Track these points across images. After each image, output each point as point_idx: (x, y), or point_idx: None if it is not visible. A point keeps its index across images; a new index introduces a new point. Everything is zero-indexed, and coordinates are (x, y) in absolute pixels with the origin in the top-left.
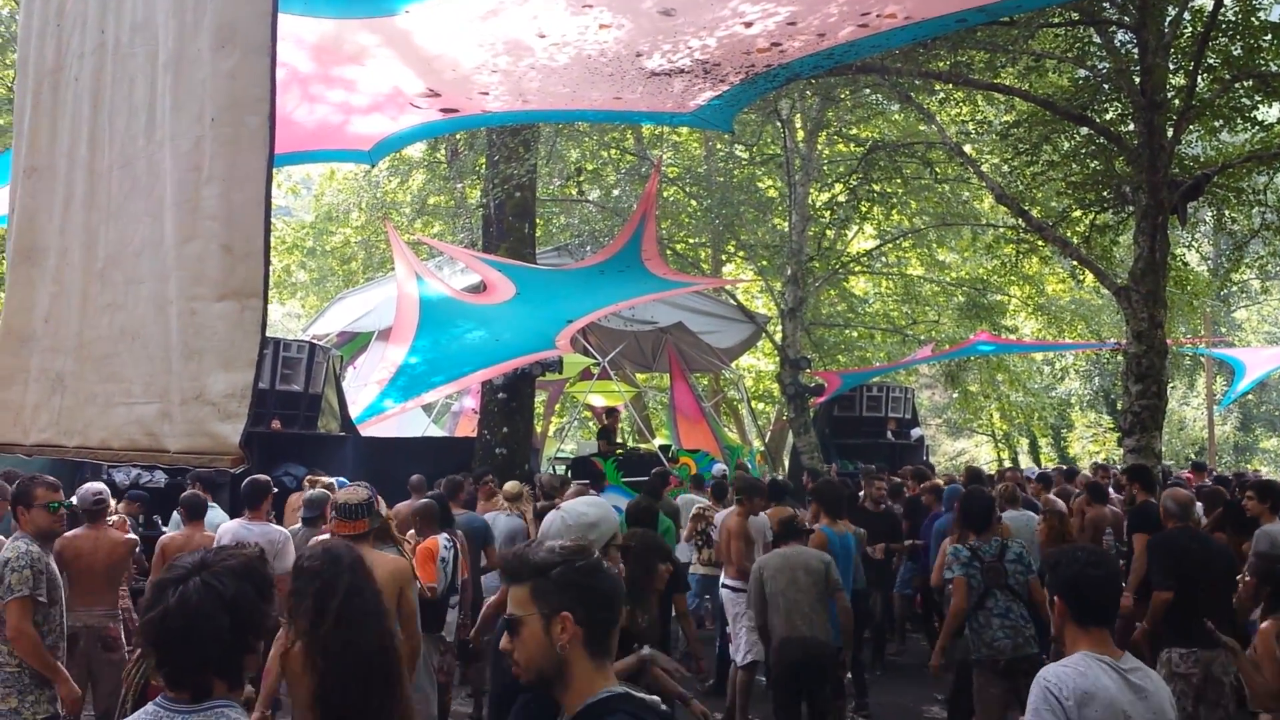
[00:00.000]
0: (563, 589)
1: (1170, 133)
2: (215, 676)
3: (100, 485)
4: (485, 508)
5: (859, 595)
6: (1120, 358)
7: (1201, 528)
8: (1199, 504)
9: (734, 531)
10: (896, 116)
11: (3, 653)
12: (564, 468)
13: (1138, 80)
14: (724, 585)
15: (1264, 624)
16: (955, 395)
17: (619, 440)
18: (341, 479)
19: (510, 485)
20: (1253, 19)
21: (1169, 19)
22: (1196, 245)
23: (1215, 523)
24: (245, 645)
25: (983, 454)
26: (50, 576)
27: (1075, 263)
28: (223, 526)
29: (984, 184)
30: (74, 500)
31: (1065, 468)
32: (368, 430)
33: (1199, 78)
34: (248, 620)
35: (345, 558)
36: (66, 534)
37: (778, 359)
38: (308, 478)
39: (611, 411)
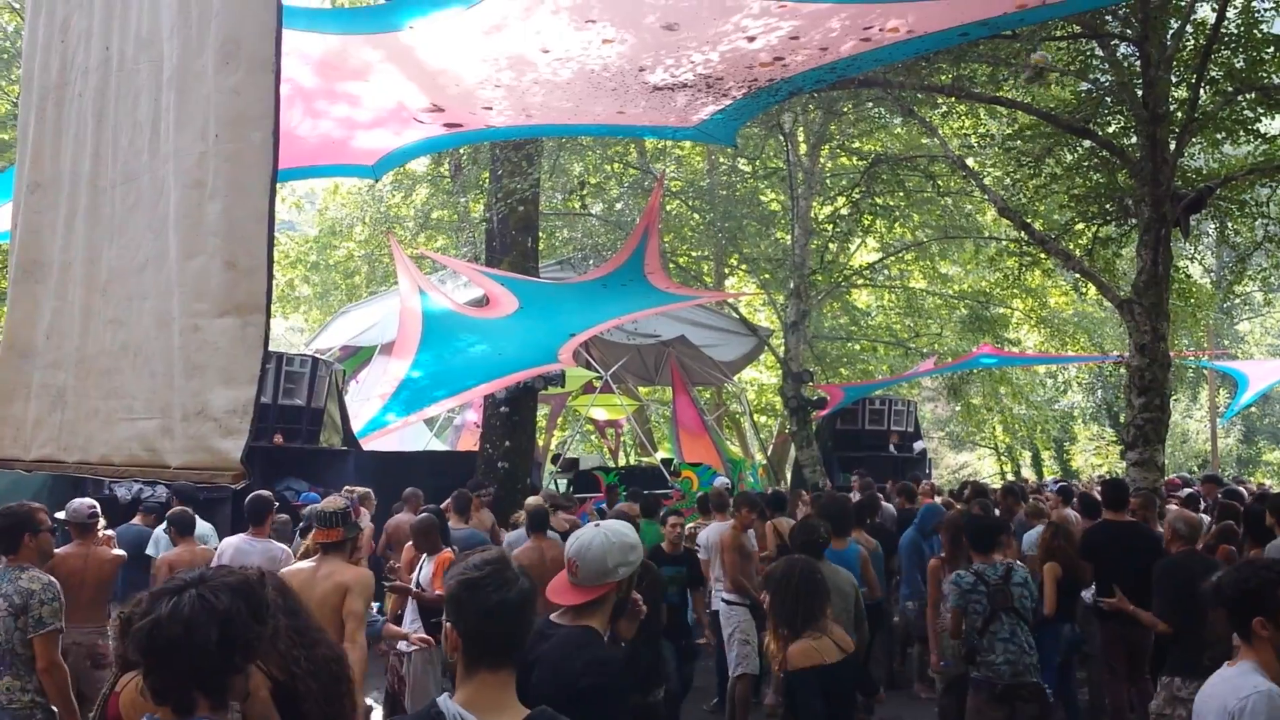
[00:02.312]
0: (448, 603)
1: (1173, 146)
2: (200, 693)
3: (92, 500)
4: (476, 519)
5: (874, 608)
6: (1123, 371)
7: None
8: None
9: (728, 544)
10: (899, 130)
11: (15, 689)
12: (566, 482)
13: (1140, 93)
14: (721, 599)
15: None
16: (958, 408)
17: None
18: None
19: (531, 501)
20: (1255, 32)
21: (1171, 32)
22: (1199, 258)
23: (1218, 535)
24: (232, 664)
25: (985, 467)
26: (63, 603)
27: (1078, 275)
28: (224, 543)
29: (986, 197)
30: (63, 515)
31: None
32: (370, 444)
33: (1201, 90)
34: (238, 639)
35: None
36: (58, 551)
37: (780, 372)
38: (346, 488)
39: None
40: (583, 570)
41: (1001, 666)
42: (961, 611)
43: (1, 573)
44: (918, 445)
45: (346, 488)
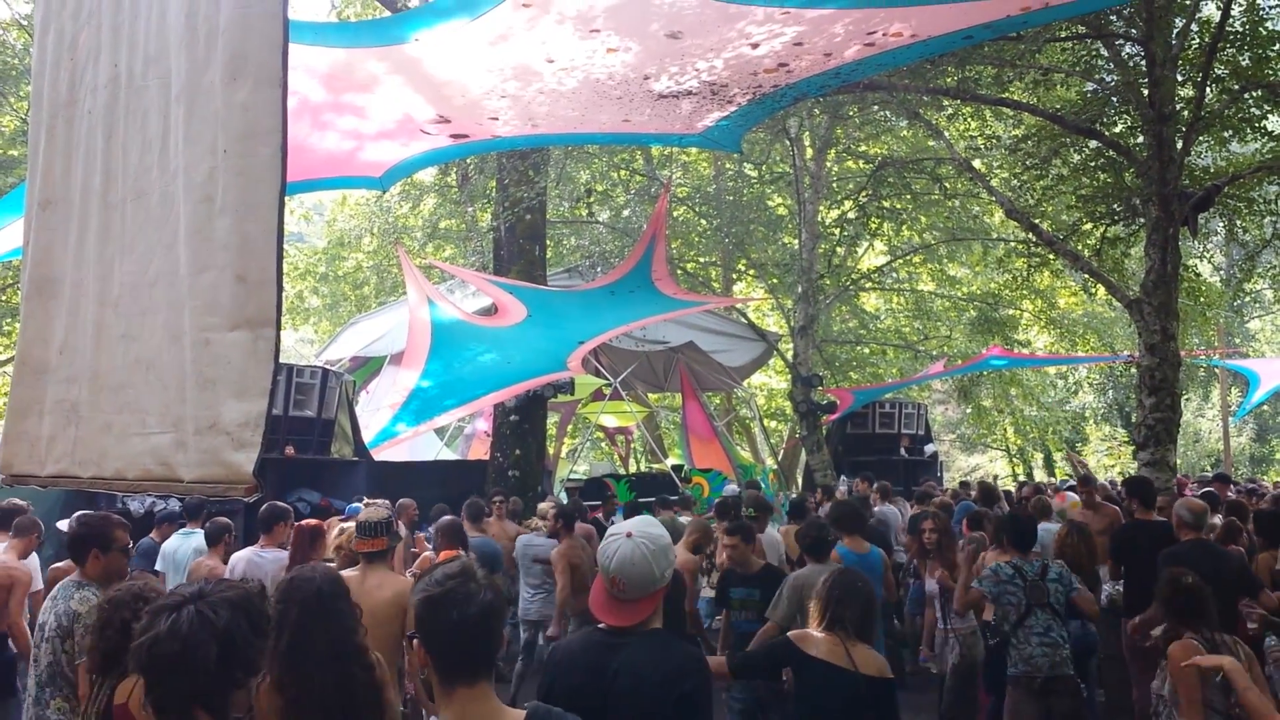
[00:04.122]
0: (416, 618)
1: (1179, 144)
2: (201, 708)
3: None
4: (497, 527)
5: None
6: (1133, 370)
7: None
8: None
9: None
10: (905, 133)
11: (65, 710)
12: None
13: (1146, 92)
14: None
15: (1171, 647)
16: (968, 410)
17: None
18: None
19: (544, 506)
20: (1260, 29)
21: (1176, 31)
22: (1208, 256)
23: (1224, 534)
24: (233, 679)
25: (997, 469)
26: None
27: (1087, 276)
28: (235, 555)
29: (994, 199)
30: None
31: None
32: (381, 455)
33: (1207, 89)
34: (237, 653)
35: (298, 594)
36: None
37: (789, 377)
38: (365, 500)
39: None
40: (631, 586)
41: (1040, 660)
42: (990, 598)
43: (63, 587)
44: (929, 448)
45: (365, 500)
